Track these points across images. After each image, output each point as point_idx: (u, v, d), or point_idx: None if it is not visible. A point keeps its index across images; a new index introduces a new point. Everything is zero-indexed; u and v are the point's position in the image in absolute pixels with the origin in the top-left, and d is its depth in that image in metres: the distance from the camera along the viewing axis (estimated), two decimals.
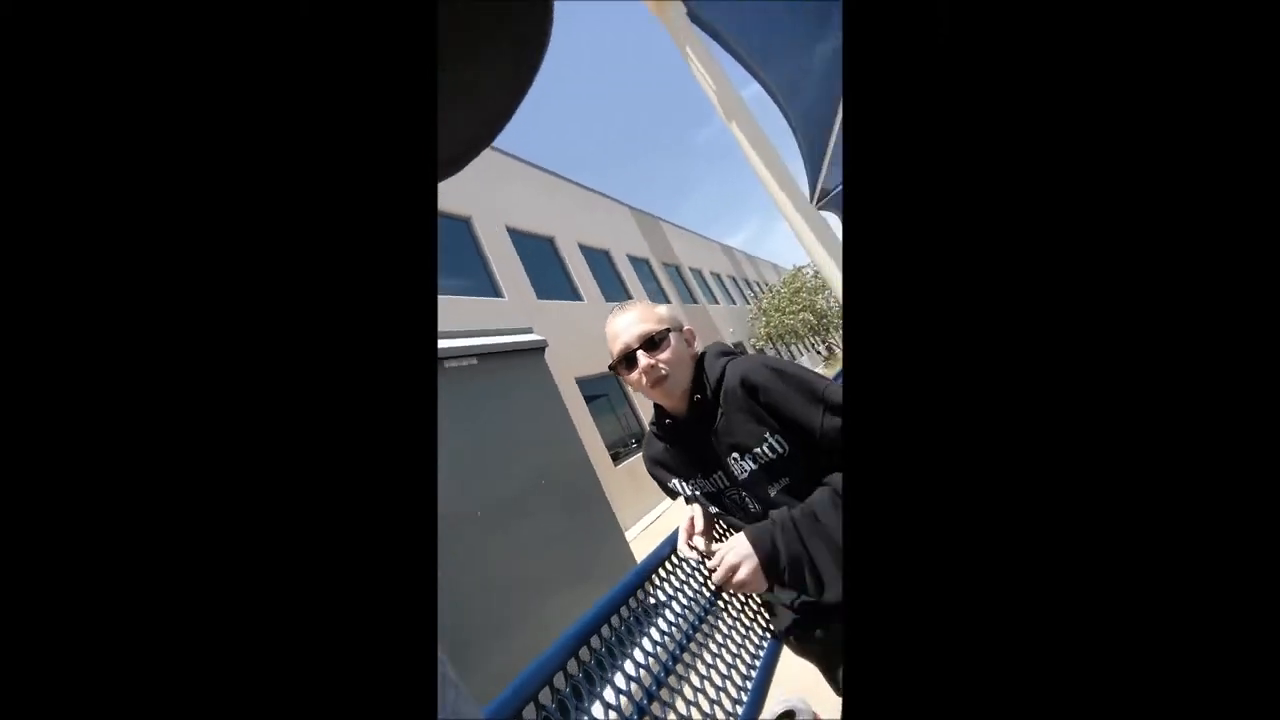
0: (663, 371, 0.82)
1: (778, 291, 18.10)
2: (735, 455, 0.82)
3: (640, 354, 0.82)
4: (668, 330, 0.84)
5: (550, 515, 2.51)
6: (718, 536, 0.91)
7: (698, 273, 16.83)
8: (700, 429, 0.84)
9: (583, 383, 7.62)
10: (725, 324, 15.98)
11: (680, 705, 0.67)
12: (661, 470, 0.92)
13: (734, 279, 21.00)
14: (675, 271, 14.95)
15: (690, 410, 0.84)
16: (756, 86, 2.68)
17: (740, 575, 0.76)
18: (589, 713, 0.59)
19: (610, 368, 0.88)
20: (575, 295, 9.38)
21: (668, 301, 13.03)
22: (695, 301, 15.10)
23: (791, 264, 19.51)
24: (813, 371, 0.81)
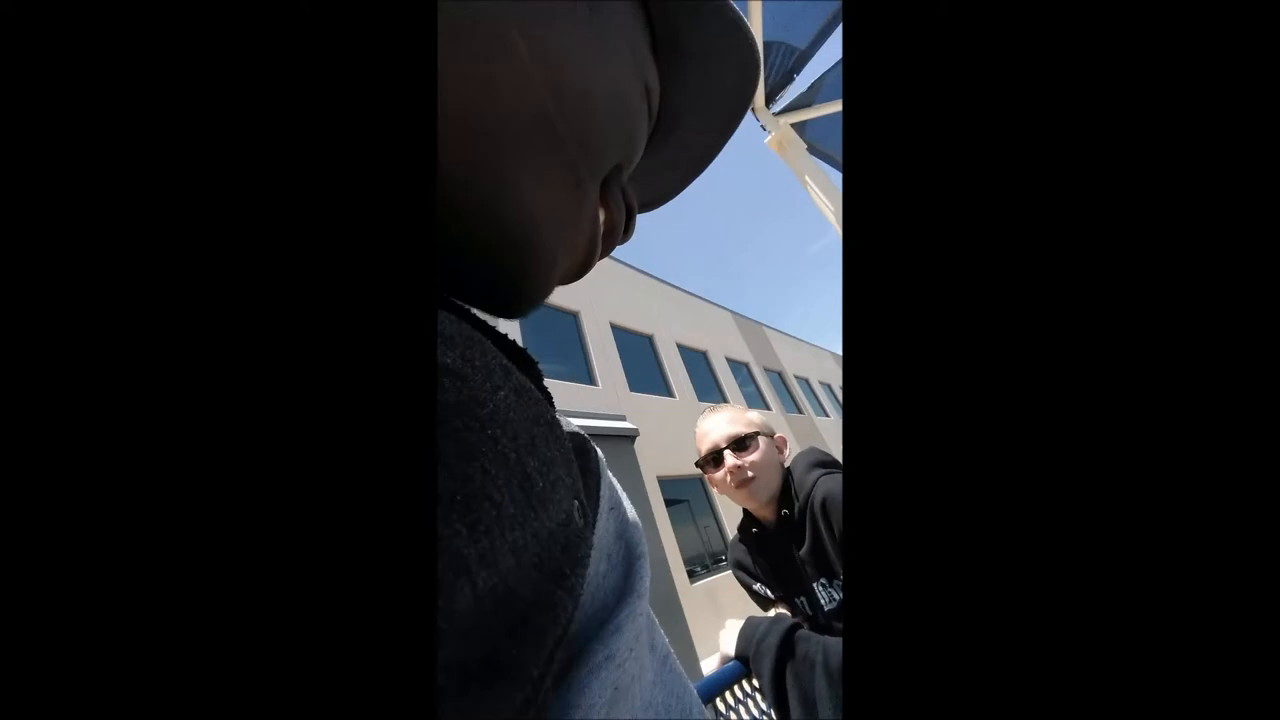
0: (749, 474, 0.81)
1: None
2: (823, 581, 0.77)
3: (727, 453, 0.82)
4: (757, 434, 0.84)
5: None
6: None
7: (804, 380, 16.00)
8: (786, 545, 0.81)
9: (664, 483, 7.10)
10: (834, 436, 14.62)
11: None
12: (746, 575, 0.91)
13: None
14: (778, 378, 14.34)
15: (778, 523, 0.82)
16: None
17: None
18: None
19: (697, 464, 0.89)
20: (668, 391, 9.20)
21: (767, 407, 12.34)
22: (800, 411, 14.15)
23: None
24: None
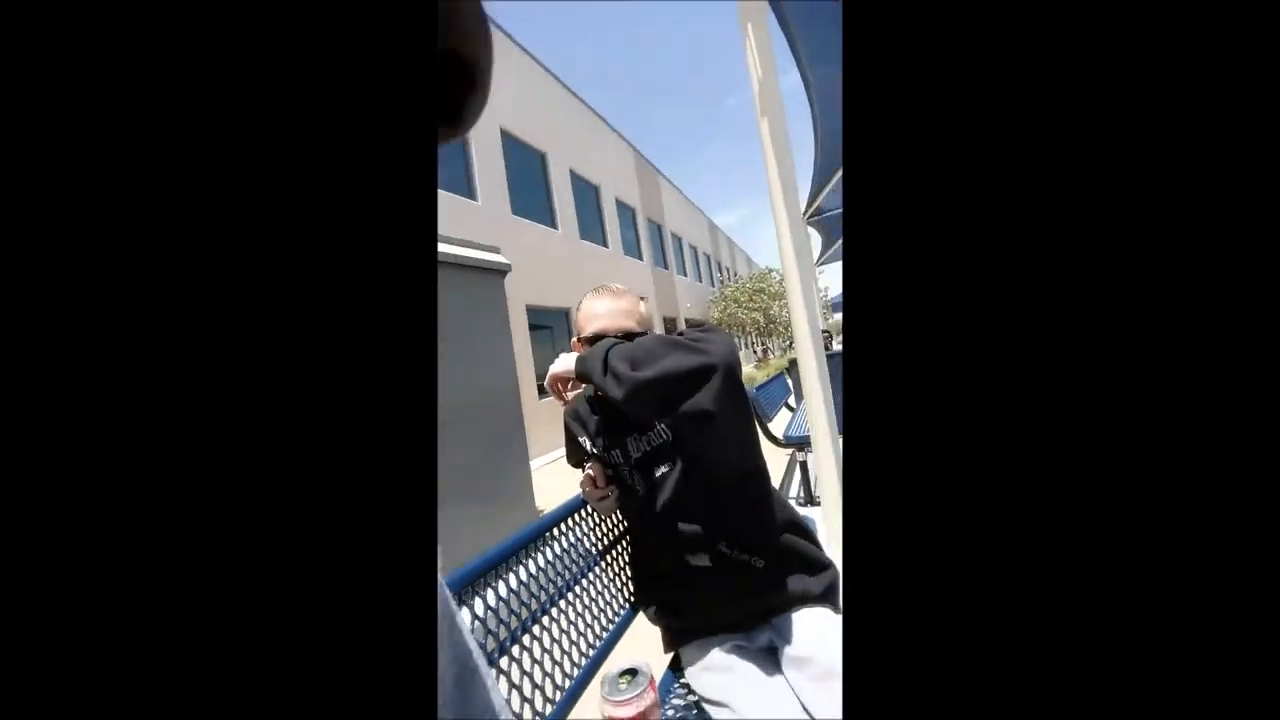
0: None
1: (742, 285, 18.37)
2: (635, 434, 0.85)
3: None
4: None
5: (471, 441, 2.49)
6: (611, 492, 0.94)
7: (679, 240, 16.65)
8: (620, 410, 0.83)
9: (531, 311, 7.46)
10: (685, 296, 16.07)
11: (545, 641, 0.73)
12: (577, 425, 0.94)
13: (709, 258, 21.01)
14: (657, 231, 14.70)
15: None
16: (796, 78, 2.59)
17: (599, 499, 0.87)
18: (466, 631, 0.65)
19: (577, 339, 0.89)
20: (551, 222, 9.02)
21: (640, 257, 12.86)
22: (666, 267, 15.01)
23: (764, 264, 19.70)
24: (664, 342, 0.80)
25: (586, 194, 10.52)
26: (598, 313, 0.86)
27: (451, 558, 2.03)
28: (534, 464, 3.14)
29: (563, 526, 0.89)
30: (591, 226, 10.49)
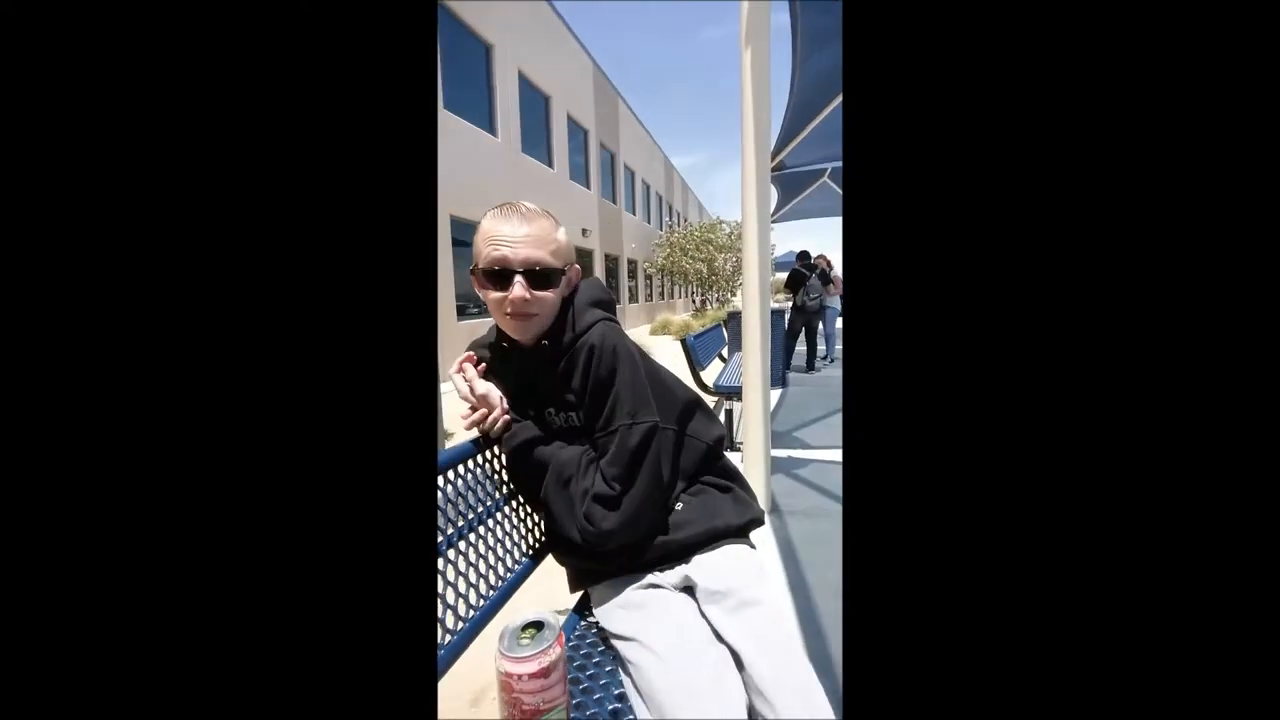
0: (533, 311, 0.71)
1: (690, 232, 18.26)
2: (553, 410, 0.77)
3: (519, 282, 0.69)
4: (562, 270, 0.73)
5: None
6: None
7: (631, 173, 16.01)
8: (536, 368, 0.76)
9: (457, 224, 6.89)
10: (631, 237, 15.70)
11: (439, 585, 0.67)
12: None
13: (661, 198, 20.51)
14: (610, 159, 13.99)
15: (534, 346, 0.75)
16: (786, 18, 2.42)
17: (476, 418, 0.78)
18: None
19: (471, 270, 0.74)
20: (489, 126, 8.22)
21: (587, 186, 12.23)
22: (614, 202, 14.46)
23: (717, 215, 19.61)
24: (641, 398, 0.74)
25: (535, 103, 9.66)
26: (501, 238, 0.69)
27: None
28: (444, 385, 3.00)
29: (468, 465, 0.80)
30: (536, 141, 9.74)
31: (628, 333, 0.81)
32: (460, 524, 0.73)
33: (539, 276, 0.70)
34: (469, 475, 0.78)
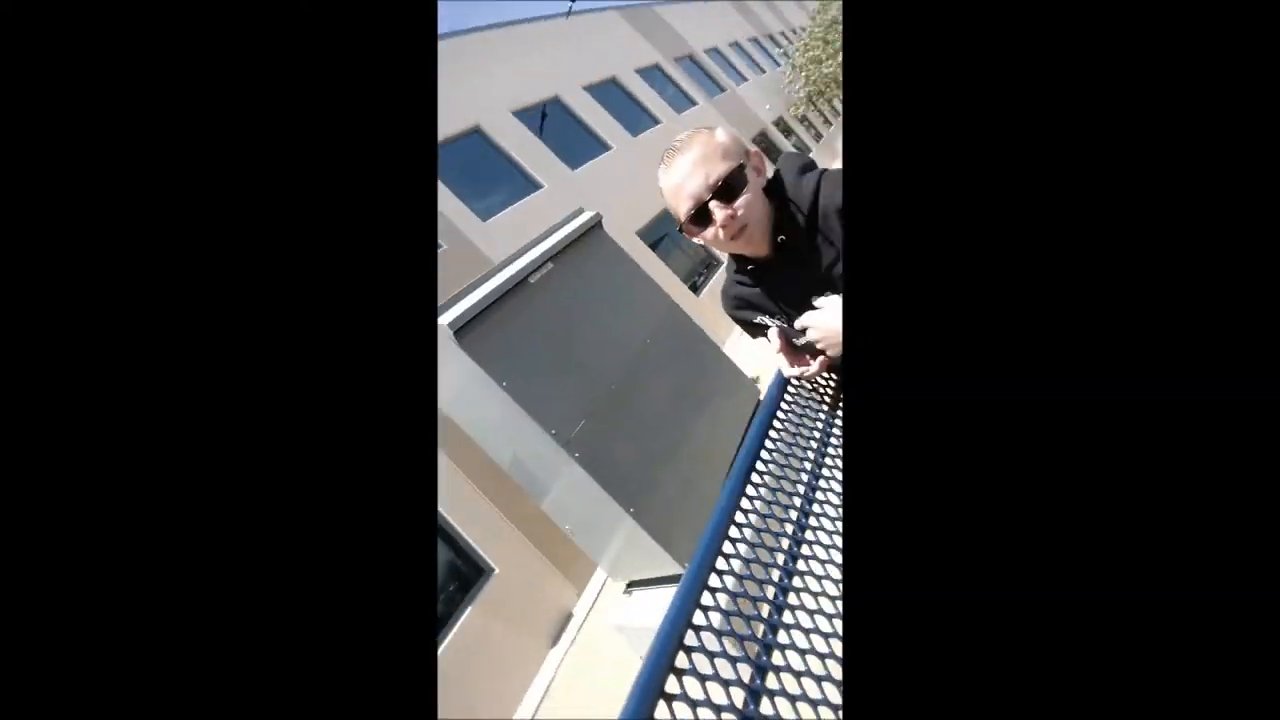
0: (743, 220, 0.73)
1: (810, 34, 15.91)
2: (829, 292, 0.75)
3: (714, 206, 0.72)
4: (741, 166, 0.74)
5: (667, 366, 2.82)
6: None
7: (715, 52, 15.16)
8: (792, 266, 0.77)
9: (642, 233, 8.30)
10: (760, 101, 14.85)
11: (826, 524, 0.68)
12: (748, 311, 0.87)
13: (756, 40, 18.45)
14: (691, 62, 13.70)
15: (777, 250, 0.77)
16: None
17: (815, 369, 0.79)
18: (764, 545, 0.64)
19: (679, 229, 0.79)
20: (603, 146, 9.48)
21: (693, 102, 12.39)
22: (723, 89, 14.03)
23: None
24: None
25: (611, 93, 10.55)
26: (679, 186, 0.74)
27: (723, 457, 2.64)
28: (726, 349, 3.53)
29: (780, 415, 0.81)
30: (634, 116, 10.57)
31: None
32: (818, 447, 0.75)
33: (727, 189, 0.71)
34: (785, 426, 0.79)
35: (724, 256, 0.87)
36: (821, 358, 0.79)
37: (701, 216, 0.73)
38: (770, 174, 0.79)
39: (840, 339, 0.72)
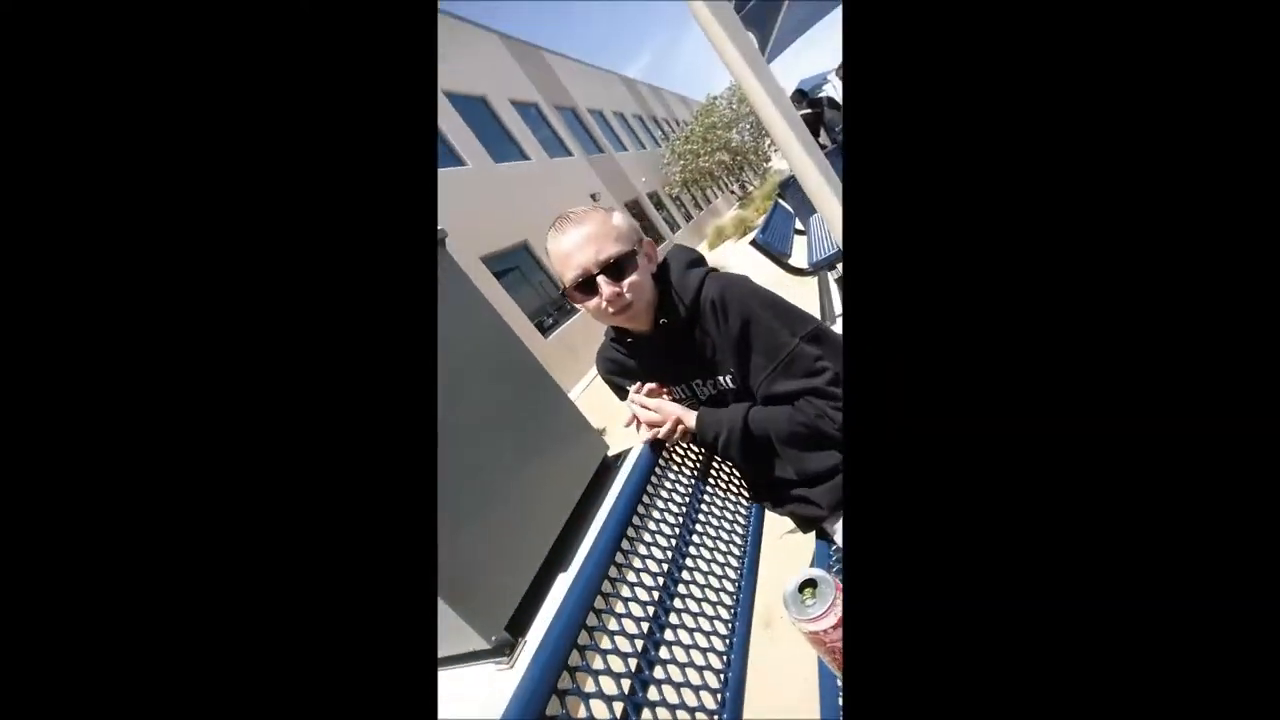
0: (628, 299, 0.75)
1: (691, 130, 17.14)
2: (699, 381, 0.82)
3: (602, 280, 0.74)
4: (633, 251, 0.76)
5: (499, 405, 2.51)
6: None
7: (598, 114, 15.35)
8: (666, 349, 0.81)
9: (489, 260, 7.14)
10: (637, 172, 15.17)
11: (694, 592, 0.72)
12: (621, 377, 0.91)
13: (640, 118, 19.46)
14: (572, 115, 13.52)
15: (656, 331, 0.81)
16: None
17: (664, 431, 0.82)
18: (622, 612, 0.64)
19: (561, 294, 0.80)
20: (457, 159, 8.31)
21: (568, 153, 11.98)
22: (600, 150, 14.01)
23: (704, 94, 18.16)
24: (789, 314, 0.76)
25: (476, 111, 9.57)
26: (568, 252, 0.75)
27: (555, 515, 2.42)
28: (573, 396, 3.22)
29: (656, 470, 0.85)
30: (500, 144, 9.68)
31: None
32: (680, 527, 0.77)
33: (616, 267, 0.74)
34: (664, 478, 0.84)
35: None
36: (668, 425, 0.83)
37: (588, 286, 0.76)
38: (660, 261, 0.83)
39: (667, 427, 0.83)
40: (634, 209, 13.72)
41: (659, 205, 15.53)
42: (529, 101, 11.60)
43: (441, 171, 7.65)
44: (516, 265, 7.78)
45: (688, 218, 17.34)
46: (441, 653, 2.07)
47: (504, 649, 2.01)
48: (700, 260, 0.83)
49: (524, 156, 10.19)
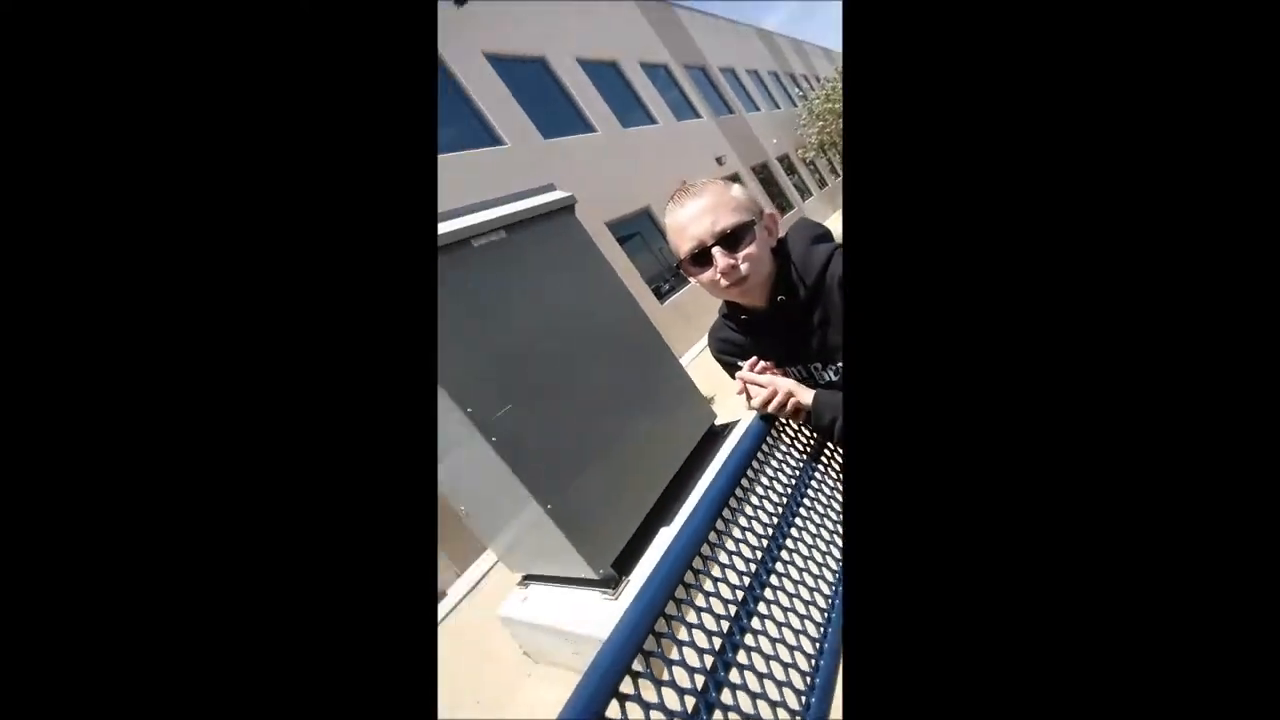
0: (743, 272, 0.72)
1: (833, 87, 15.70)
2: (818, 365, 0.77)
3: (717, 252, 0.72)
4: (751, 222, 0.73)
5: (615, 365, 2.64)
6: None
7: (729, 72, 14.70)
8: (785, 327, 0.77)
9: (613, 226, 7.27)
10: (768, 134, 14.34)
11: (792, 574, 0.70)
12: (732, 355, 0.87)
13: (775, 75, 18.28)
14: (702, 74, 13.11)
15: (773, 308, 0.77)
16: None
17: (775, 404, 0.77)
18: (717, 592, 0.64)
19: (676, 266, 0.79)
20: (586, 126, 8.51)
21: (697, 114, 11.67)
22: (730, 111, 13.44)
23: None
24: None
25: (606, 76, 9.66)
26: (683, 225, 0.73)
27: (662, 472, 2.54)
28: (684, 362, 3.22)
29: (759, 456, 0.80)
30: (630, 109, 9.71)
31: None
32: (783, 507, 0.74)
33: (732, 238, 0.71)
34: (771, 454, 0.80)
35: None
36: (779, 397, 0.78)
37: (702, 258, 0.74)
38: (781, 236, 0.80)
39: (779, 399, 0.77)
40: (761, 173, 13.04)
41: (790, 170, 14.57)
42: (659, 63, 11.46)
43: (571, 139, 7.89)
44: (638, 231, 7.84)
45: (821, 184, 16.09)
46: (558, 572, 2.34)
47: (610, 582, 2.18)
48: (827, 235, 0.77)
49: (651, 120, 10.13)
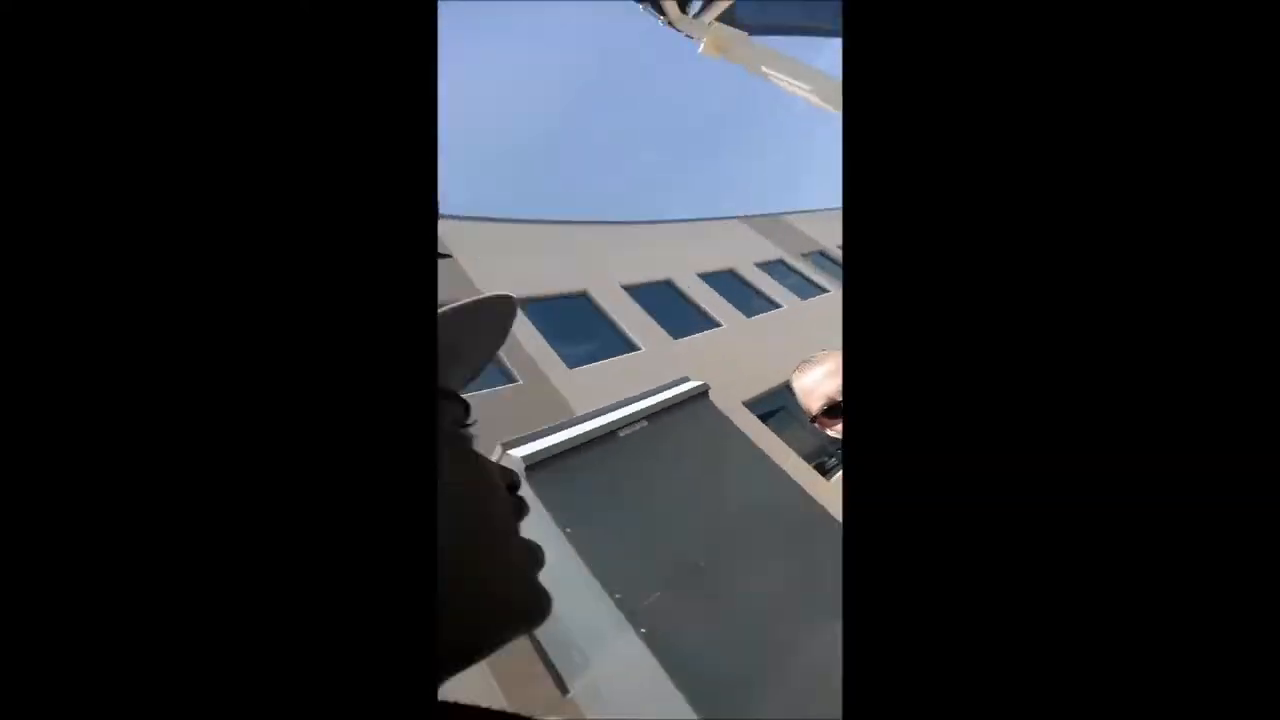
0: None
1: None
2: None
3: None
4: None
5: (779, 552, 2.41)
6: None
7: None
8: None
9: (752, 405, 7.13)
10: None
11: None
12: None
13: None
14: (821, 257, 13.82)
15: None
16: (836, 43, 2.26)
17: None
18: None
19: (812, 420, 0.90)
20: (710, 323, 9.16)
21: (821, 289, 11.97)
22: None
23: None
24: None
25: (725, 281, 10.65)
26: (810, 388, 0.88)
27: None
28: None
29: None
30: (749, 301, 10.35)
31: None
32: None
33: None
34: None
35: None
36: None
37: (834, 411, 0.87)
38: None
39: None
40: None
41: None
42: (773, 259, 12.46)
43: (697, 337, 8.49)
44: (782, 405, 7.55)
45: None
46: None
47: None
48: None
49: (774, 305, 10.59)
